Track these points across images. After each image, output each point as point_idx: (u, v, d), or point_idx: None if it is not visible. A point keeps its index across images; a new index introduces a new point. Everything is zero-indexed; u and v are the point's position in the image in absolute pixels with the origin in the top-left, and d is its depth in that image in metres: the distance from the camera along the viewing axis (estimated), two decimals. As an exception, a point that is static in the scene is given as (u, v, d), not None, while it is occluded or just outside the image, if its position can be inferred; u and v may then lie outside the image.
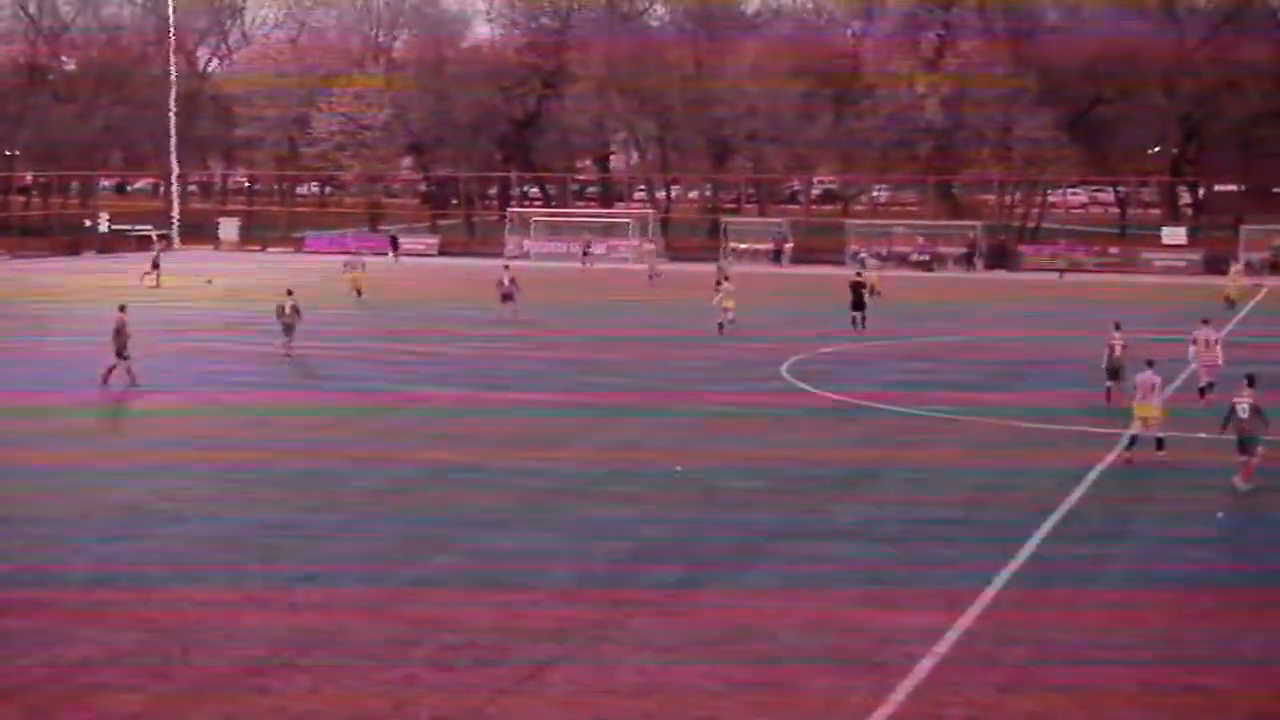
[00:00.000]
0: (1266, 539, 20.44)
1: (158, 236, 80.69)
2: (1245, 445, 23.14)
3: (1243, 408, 23.27)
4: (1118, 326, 32.03)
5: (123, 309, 33.72)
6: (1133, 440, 25.48)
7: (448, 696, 13.98)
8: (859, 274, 50.44)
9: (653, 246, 73.70)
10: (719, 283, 48.05)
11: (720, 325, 44.95)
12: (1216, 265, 71.26)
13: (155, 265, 61.24)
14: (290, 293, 39.17)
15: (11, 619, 16.24)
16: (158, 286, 58.10)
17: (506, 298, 48.65)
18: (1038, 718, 13.62)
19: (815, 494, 22.88)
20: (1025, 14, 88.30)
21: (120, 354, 32.96)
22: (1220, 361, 31.62)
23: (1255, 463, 23.03)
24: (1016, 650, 15.33)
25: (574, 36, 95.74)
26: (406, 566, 18.50)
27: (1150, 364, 26.25)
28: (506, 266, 52.30)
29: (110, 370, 32.96)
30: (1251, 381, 23.76)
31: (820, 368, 37.59)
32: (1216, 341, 32.48)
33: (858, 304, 46.32)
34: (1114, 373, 31.27)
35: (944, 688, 14.22)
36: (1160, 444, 25.32)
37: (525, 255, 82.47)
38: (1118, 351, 31.52)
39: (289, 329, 38.23)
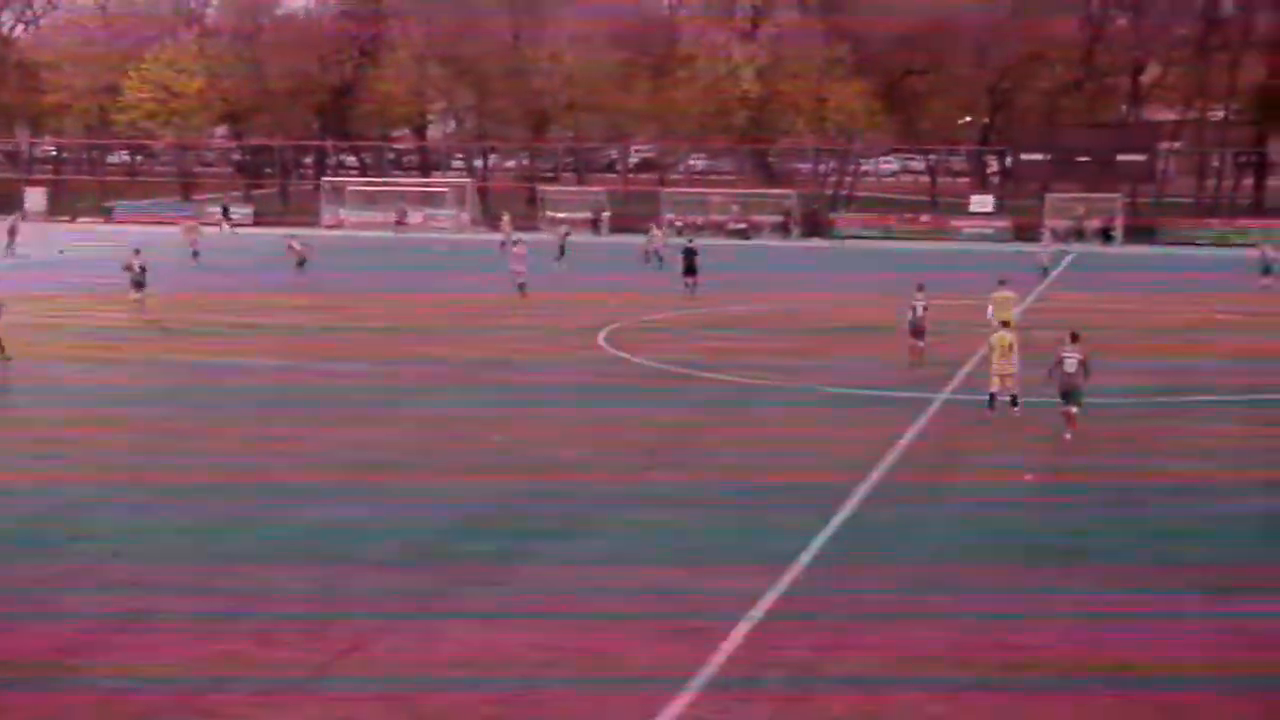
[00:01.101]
0: (1074, 500, 21.11)
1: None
2: (1071, 397, 24.49)
3: (1070, 362, 24.59)
4: (920, 288, 33.12)
5: None
6: (991, 398, 26.42)
7: (271, 669, 13.96)
8: (691, 241, 51.76)
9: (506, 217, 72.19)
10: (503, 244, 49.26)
11: (521, 287, 46.79)
12: (1025, 234, 73.55)
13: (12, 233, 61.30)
14: (138, 251, 41.95)
15: None
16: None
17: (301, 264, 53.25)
18: (854, 677, 14.01)
19: (634, 461, 23.13)
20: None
21: None
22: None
23: (1076, 413, 24.48)
24: (834, 612, 15.72)
25: (391, 5, 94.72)
26: (227, 541, 18.34)
27: (1005, 324, 27.58)
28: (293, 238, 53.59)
29: None
30: (1075, 337, 25.10)
31: (638, 335, 37.90)
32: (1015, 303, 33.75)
33: (689, 269, 48.07)
34: (917, 332, 32.46)
35: (762, 649, 14.55)
36: (1015, 401, 26.30)
37: (340, 225, 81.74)
38: (919, 311, 32.69)
39: (139, 285, 41.05)
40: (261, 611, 15.50)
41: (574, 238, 63.27)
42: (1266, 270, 51.94)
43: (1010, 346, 26.46)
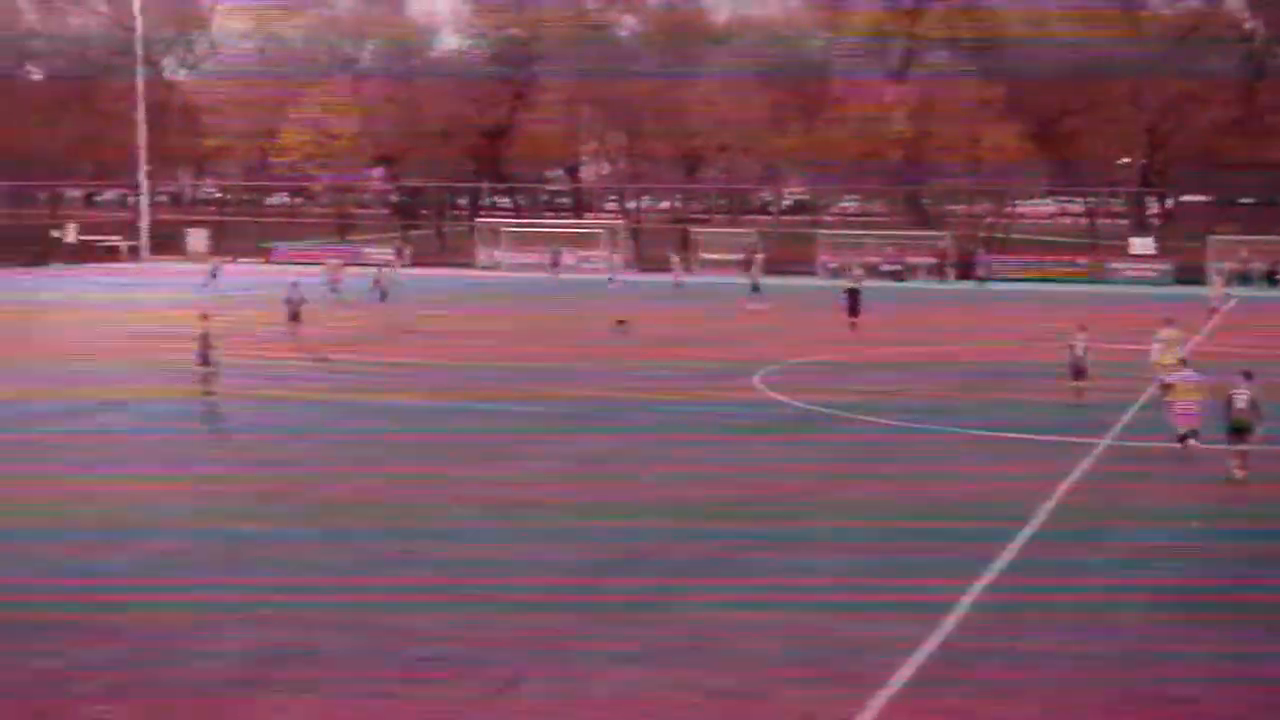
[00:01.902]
0: (1241, 547, 20.36)
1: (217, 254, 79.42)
2: (1241, 435, 24.09)
3: (1240, 399, 24.20)
4: (1082, 328, 32.64)
5: (205, 317, 33.31)
6: (1182, 438, 25.96)
7: (419, 706, 13.88)
8: (856, 282, 52.08)
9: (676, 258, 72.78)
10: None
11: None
12: (1186, 276, 71.84)
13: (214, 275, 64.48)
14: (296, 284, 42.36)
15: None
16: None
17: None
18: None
19: (788, 503, 22.79)
20: (991, 26, 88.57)
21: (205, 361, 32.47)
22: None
23: (1248, 451, 24.12)
24: (992, 660, 15.28)
25: (543, 46, 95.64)
26: (375, 578, 18.36)
27: (1184, 362, 28.19)
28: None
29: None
30: (1248, 375, 24.67)
31: (793, 377, 37.53)
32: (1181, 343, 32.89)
33: (853, 309, 48.94)
34: (1078, 373, 32.13)
35: (919, 697, 14.15)
36: (1187, 437, 25.91)
37: (496, 265, 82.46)
38: (1079, 351, 32.28)
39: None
40: (408, 651, 15.45)
41: (727, 280, 63.23)
42: None
43: (1197, 386, 26.06)
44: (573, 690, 14.37)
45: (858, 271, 57.35)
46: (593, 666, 14.97)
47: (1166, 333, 32.44)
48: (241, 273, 72.25)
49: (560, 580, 18.24)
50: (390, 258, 75.43)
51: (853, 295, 49.61)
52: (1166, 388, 29.36)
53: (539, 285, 69.96)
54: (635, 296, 61.01)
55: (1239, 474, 23.99)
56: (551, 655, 15.33)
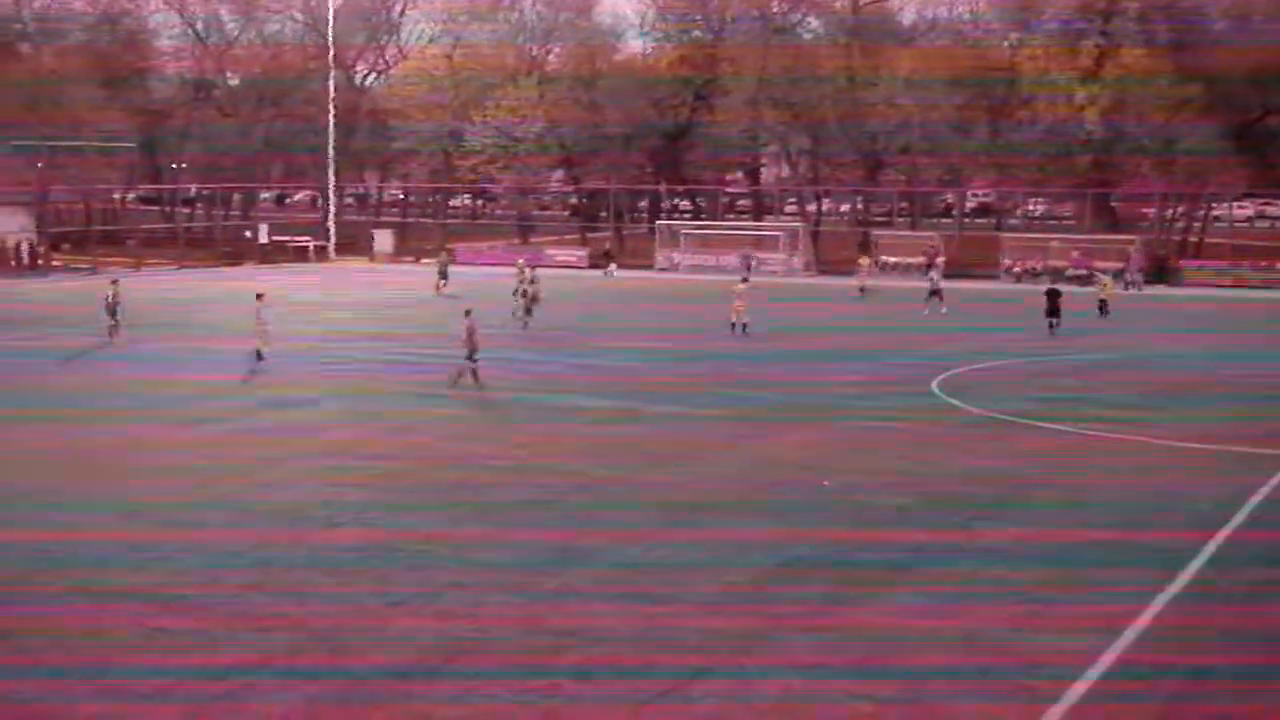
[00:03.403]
0: None
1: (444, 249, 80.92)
2: None
3: None
4: None
5: (469, 313, 35.87)
6: None
7: (590, 706, 13.90)
8: (1054, 283, 53.88)
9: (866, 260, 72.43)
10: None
11: (733, 326, 47.76)
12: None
13: (443, 275, 65.21)
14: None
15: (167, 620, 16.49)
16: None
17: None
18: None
19: (966, 512, 22.40)
20: (1189, 21, 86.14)
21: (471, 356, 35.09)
22: None
23: None
24: (1173, 678, 14.83)
25: (727, 48, 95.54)
26: (551, 577, 18.44)
27: None
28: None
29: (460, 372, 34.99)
30: None
31: (974, 383, 36.92)
32: None
33: (1053, 310, 49.41)
34: None
35: (1097, 713, 13.77)
36: None
37: (675, 268, 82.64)
38: None
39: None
40: (583, 648, 15.48)
41: (906, 283, 62.48)
42: None
43: None
44: (743, 692, 14.25)
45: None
46: (766, 671, 14.84)
47: None
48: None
49: (737, 584, 18.12)
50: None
51: (1052, 296, 49.95)
52: None
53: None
54: (812, 299, 60.70)
55: None
56: (722, 658, 15.22)
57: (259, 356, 38.20)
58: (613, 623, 16.41)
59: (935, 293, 56.93)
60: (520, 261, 64.93)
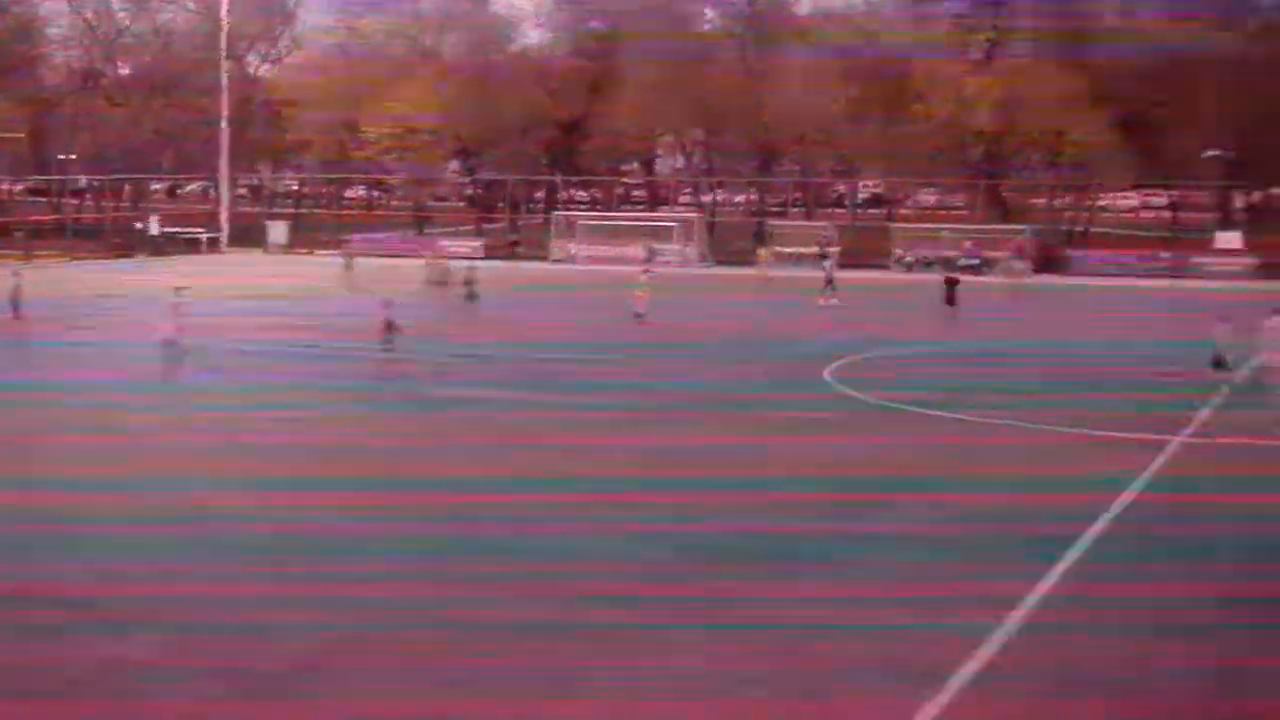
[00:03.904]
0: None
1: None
2: None
3: None
4: (1224, 320, 35.22)
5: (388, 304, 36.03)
6: None
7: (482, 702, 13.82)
8: (953, 272, 56.24)
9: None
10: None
11: (637, 315, 48.07)
12: (1274, 271, 70.85)
13: (349, 267, 64.57)
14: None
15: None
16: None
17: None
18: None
19: (855, 499, 22.54)
20: (1078, 16, 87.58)
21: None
22: None
23: None
24: (1063, 655, 15.07)
25: (623, 40, 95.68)
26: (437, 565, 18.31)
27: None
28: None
29: None
30: None
31: (867, 372, 37.24)
32: None
33: (950, 299, 51.42)
34: (1218, 363, 34.18)
35: (987, 693, 13.97)
36: None
37: (572, 259, 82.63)
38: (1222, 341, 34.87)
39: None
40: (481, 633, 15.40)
41: (799, 272, 62.94)
42: None
43: None
44: (634, 686, 14.25)
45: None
46: (657, 661, 14.86)
47: (1274, 321, 33.32)
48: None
49: (629, 578, 18.12)
50: None
51: (950, 285, 51.69)
52: None
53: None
54: (709, 289, 61.00)
55: None
56: (613, 652, 15.23)
57: (173, 346, 36.75)
58: (489, 615, 16.34)
59: (829, 282, 57.43)
60: (430, 254, 65.05)
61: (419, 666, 14.61)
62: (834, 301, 55.49)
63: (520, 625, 15.87)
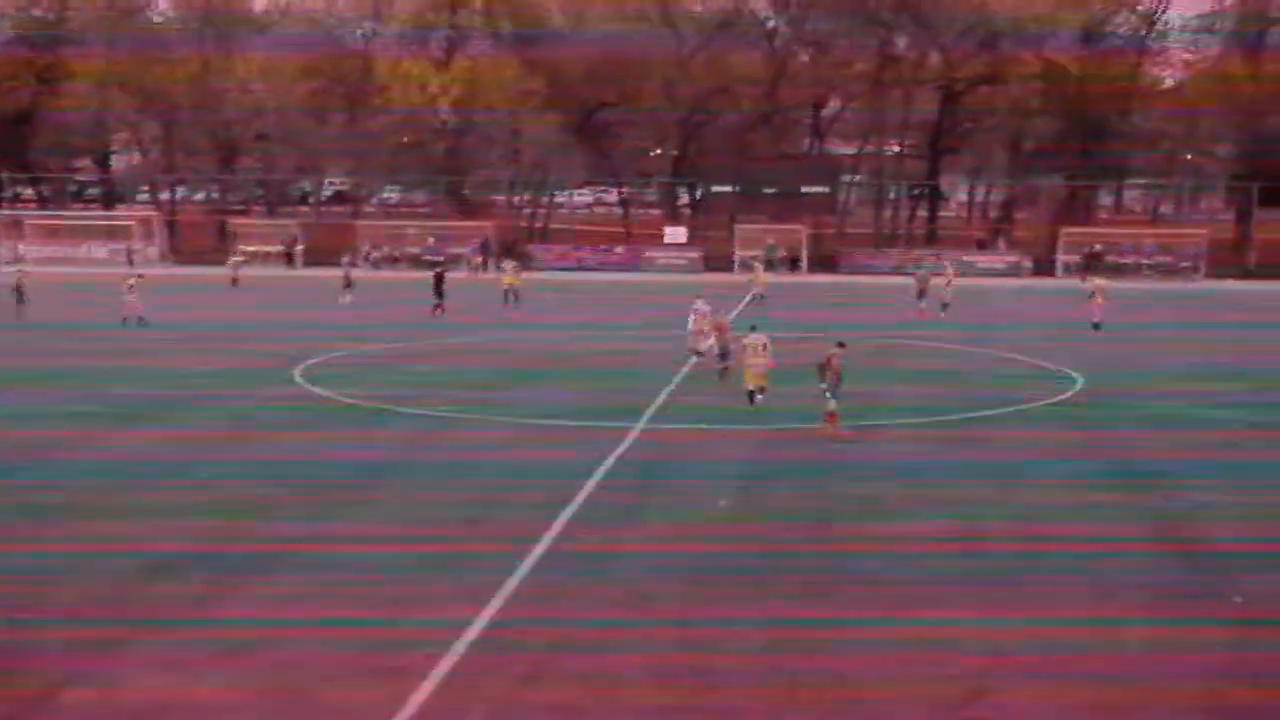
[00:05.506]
0: (770, 526, 21.57)
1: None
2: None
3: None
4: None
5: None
6: (750, 394, 30.82)
7: None
8: (438, 266, 56.85)
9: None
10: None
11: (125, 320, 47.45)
12: (714, 264, 75.75)
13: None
14: None
15: None
16: None
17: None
18: (557, 707, 14.11)
19: (328, 500, 22.64)
20: (531, 19, 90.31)
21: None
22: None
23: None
24: (536, 641, 15.79)
25: (70, 30, 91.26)
26: None
27: (754, 328, 31.73)
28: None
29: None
30: (841, 345, 28.55)
31: (337, 371, 37.30)
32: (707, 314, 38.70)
33: (438, 291, 51.86)
34: (724, 354, 35.63)
35: (465, 685, 14.51)
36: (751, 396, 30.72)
37: (20, 259, 78.28)
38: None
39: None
40: None
41: (265, 272, 61.95)
42: (920, 295, 54.91)
43: (763, 346, 30.77)
44: (115, 697, 14.06)
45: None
46: (136, 674, 14.68)
47: (697, 307, 38.61)
48: None
49: (98, 590, 17.71)
50: None
51: (438, 280, 52.15)
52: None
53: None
54: (176, 290, 59.29)
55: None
56: (90, 665, 14.94)
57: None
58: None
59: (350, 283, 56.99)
60: None
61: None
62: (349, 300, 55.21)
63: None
